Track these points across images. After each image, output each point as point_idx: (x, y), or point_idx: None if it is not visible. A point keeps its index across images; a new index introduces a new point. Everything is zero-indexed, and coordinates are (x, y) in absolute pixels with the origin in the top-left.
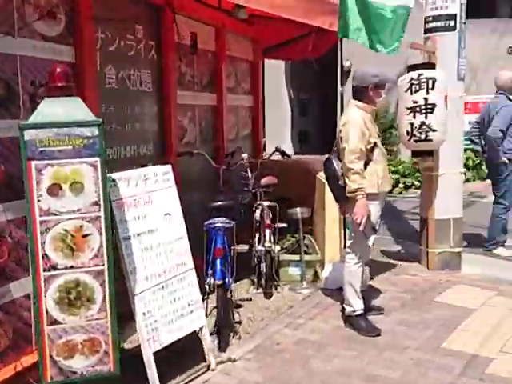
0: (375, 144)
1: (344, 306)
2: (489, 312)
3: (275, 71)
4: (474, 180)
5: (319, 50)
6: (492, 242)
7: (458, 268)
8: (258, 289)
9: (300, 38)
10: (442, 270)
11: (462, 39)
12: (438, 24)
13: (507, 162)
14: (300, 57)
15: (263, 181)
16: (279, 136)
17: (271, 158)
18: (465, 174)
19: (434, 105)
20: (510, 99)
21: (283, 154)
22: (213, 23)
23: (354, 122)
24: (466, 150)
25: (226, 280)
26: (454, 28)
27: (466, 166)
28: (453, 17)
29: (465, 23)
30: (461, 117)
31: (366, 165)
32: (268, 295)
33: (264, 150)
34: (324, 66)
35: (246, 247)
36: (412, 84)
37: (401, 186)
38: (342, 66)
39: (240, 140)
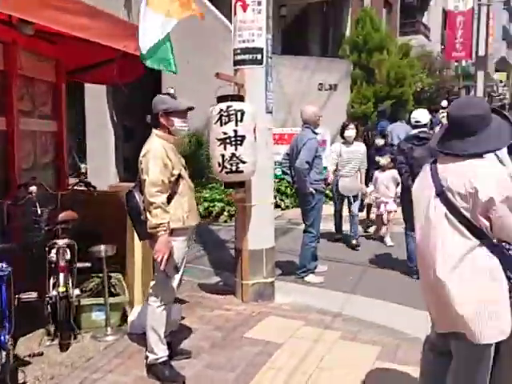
0: (180, 176)
1: (147, 353)
2: (295, 345)
3: (97, 95)
4: (292, 207)
5: (129, 76)
6: (303, 269)
7: (272, 298)
8: (53, 340)
9: (108, 61)
10: (255, 301)
11: (270, 73)
12: (246, 57)
13: (314, 192)
14: (108, 81)
15: (60, 216)
16: (103, 163)
17: (80, 189)
18: (283, 201)
19: (243, 137)
20: (314, 132)
21: (87, 184)
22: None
23: (155, 153)
24: (284, 178)
25: (1, 338)
26: (261, 62)
27: (284, 193)
28: (260, 50)
29: (271, 57)
30: (270, 148)
31: (170, 198)
32: (64, 347)
33: (86, 177)
34: (149, 91)
35: (34, 294)
36: (221, 115)
37: (226, 214)
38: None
39: (39, 169)
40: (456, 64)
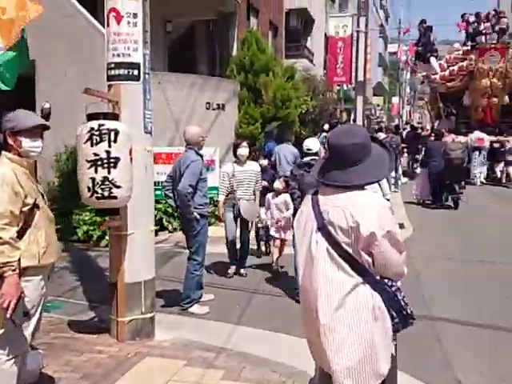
0: (35, 205)
1: None
2: None
3: None
4: (180, 229)
5: None
6: (187, 300)
7: (151, 335)
8: None
9: None
10: (133, 340)
11: (148, 90)
12: (121, 72)
13: (198, 217)
14: None
15: None
16: None
17: None
18: (171, 223)
19: (117, 159)
20: (199, 154)
21: None
22: None
23: (2, 178)
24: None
25: None
26: (138, 78)
27: (172, 215)
28: (136, 66)
29: (149, 74)
30: (150, 171)
31: (23, 231)
32: None
33: None
34: (21, 106)
35: None
36: (92, 135)
37: (107, 238)
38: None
39: None
40: (338, 88)
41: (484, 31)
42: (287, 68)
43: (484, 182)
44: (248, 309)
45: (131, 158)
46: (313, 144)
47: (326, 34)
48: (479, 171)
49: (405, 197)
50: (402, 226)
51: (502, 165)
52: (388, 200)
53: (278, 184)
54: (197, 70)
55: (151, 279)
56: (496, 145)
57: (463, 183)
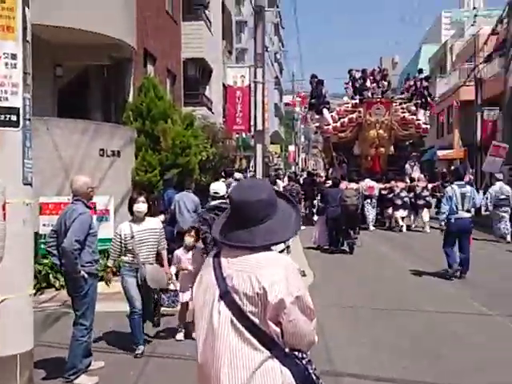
0: None
1: None
2: None
3: None
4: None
5: None
6: (73, 370)
7: None
8: None
9: None
10: None
11: (28, 138)
12: None
13: (86, 276)
14: None
15: None
16: None
17: None
18: (58, 279)
19: None
20: (87, 206)
21: None
22: None
23: None
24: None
25: None
26: (17, 124)
27: (59, 271)
28: (15, 111)
29: (30, 120)
30: (29, 227)
31: None
32: None
33: None
34: None
35: None
36: None
37: None
38: None
39: None
40: (237, 135)
41: (369, 89)
42: (186, 115)
43: (374, 227)
44: (143, 376)
45: (4, 214)
46: (219, 187)
47: (224, 84)
48: (372, 218)
49: (304, 242)
50: (303, 273)
51: (390, 210)
52: (289, 247)
53: (189, 239)
54: (91, 116)
55: (29, 351)
56: (384, 191)
57: (358, 229)
